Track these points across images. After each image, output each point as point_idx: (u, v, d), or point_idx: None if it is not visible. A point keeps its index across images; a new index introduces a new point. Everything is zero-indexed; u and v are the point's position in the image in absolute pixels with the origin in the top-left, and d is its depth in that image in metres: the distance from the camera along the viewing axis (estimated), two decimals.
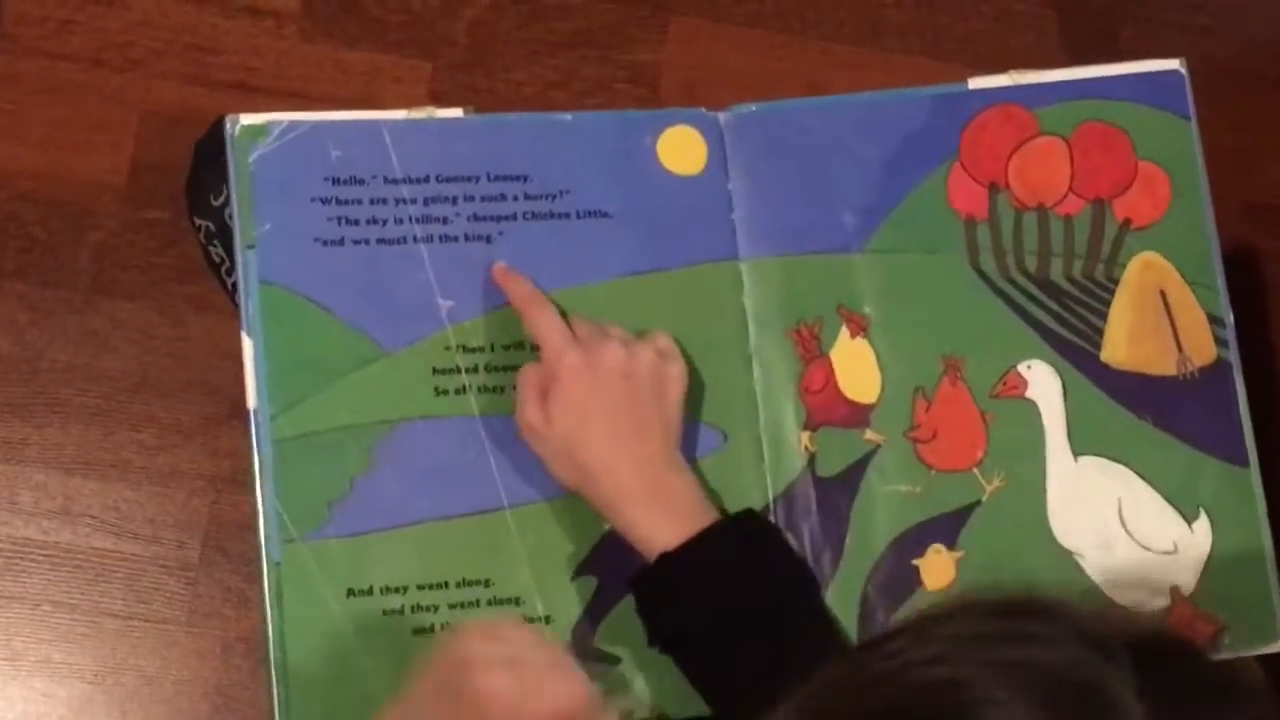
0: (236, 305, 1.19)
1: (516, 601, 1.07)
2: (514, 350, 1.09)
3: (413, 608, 1.06)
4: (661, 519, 1.01)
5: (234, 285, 1.15)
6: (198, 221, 1.22)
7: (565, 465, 1.03)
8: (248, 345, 1.05)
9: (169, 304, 1.47)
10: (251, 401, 1.04)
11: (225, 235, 1.17)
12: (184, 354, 1.47)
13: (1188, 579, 1.14)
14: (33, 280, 1.49)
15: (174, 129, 1.51)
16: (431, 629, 1.06)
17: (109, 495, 1.46)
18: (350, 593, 1.05)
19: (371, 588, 1.05)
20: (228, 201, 1.06)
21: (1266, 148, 1.60)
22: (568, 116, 1.12)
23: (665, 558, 1.00)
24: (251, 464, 1.04)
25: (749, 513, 1.06)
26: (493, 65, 1.58)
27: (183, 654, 1.45)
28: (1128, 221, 1.16)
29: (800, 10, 1.62)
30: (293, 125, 1.07)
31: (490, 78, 1.56)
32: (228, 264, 1.22)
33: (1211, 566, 1.14)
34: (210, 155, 1.07)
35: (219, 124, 1.07)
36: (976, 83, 1.17)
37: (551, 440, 1.02)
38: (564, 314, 1.06)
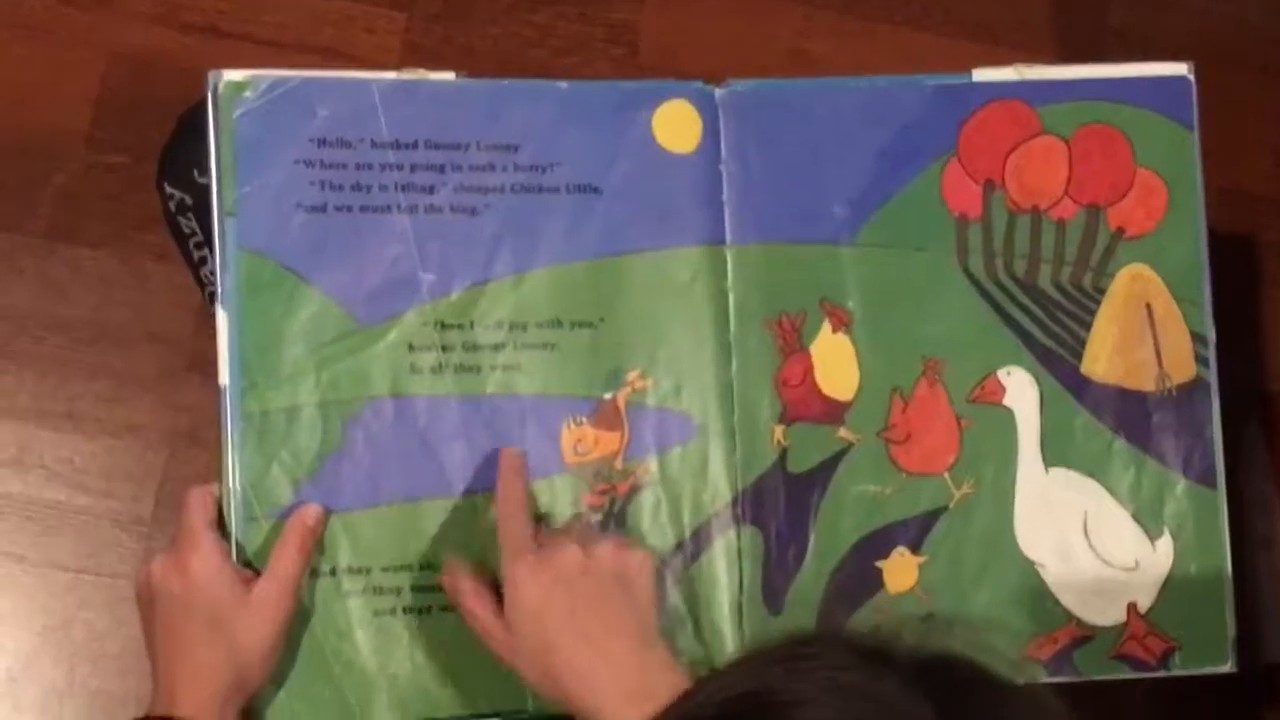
0: (201, 284, 1.16)
1: None
2: (494, 329, 1.07)
3: (375, 589, 1.05)
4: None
5: (201, 260, 1.13)
6: (169, 190, 1.19)
7: (539, 676, 0.97)
8: (222, 320, 1.03)
9: (129, 252, 1.44)
10: (223, 378, 1.02)
11: (201, 210, 1.14)
12: (144, 304, 1.44)
13: (1146, 596, 1.14)
14: None
15: (141, 72, 1.48)
16: (393, 612, 1.05)
17: (63, 446, 1.44)
18: (312, 573, 1.03)
19: (334, 569, 1.04)
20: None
21: (1247, 133, 1.59)
22: (563, 85, 1.10)
23: None
24: (221, 441, 1.02)
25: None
26: (469, 20, 1.54)
27: (133, 609, 1.42)
28: (1120, 230, 1.15)
29: None
30: (279, 81, 1.05)
31: (467, 33, 1.53)
32: (198, 237, 1.19)
33: (1170, 585, 1.15)
34: (201, 129, 1.03)
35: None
36: (981, 75, 1.14)
37: (518, 650, 0.97)
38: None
